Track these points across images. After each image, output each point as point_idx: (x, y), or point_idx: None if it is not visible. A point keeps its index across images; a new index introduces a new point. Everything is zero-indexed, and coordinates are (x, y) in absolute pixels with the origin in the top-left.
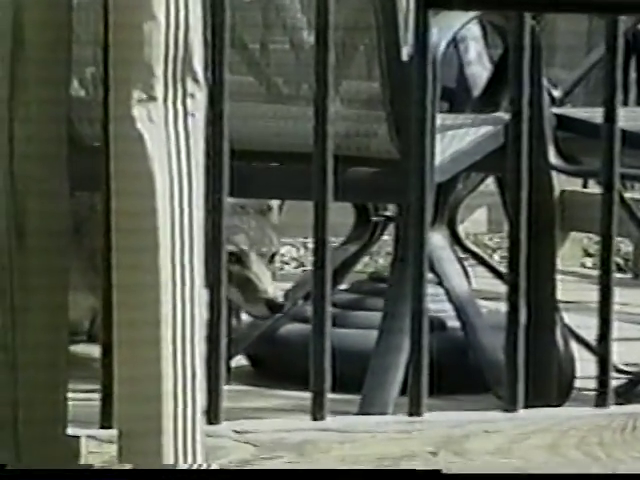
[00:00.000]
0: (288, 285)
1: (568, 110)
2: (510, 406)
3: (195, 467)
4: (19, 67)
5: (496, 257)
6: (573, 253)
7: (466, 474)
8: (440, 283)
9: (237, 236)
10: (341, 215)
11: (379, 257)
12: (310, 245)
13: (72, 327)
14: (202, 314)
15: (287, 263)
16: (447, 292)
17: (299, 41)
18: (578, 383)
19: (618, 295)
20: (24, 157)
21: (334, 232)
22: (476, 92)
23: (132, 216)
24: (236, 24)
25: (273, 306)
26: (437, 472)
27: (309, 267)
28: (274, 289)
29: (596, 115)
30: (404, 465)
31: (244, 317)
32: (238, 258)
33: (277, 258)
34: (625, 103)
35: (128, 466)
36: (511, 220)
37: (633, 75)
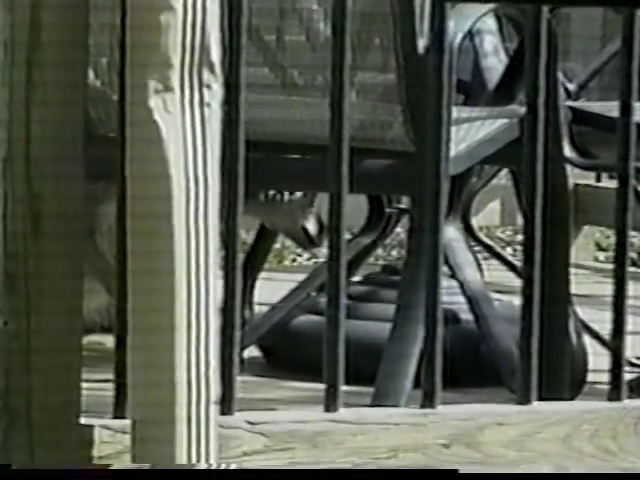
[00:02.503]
0: (301, 277)
1: (583, 103)
2: (523, 399)
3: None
4: (36, 50)
5: (509, 250)
6: (586, 247)
7: (483, 474)
8: (453, 275)
9: None
10: (355, 207)
11: (393, 249)
12: None
13: (87, 318)
14: (217, 302)
15: (300, 255)
16: (460, 285)
17: (315, 32)
18: (591, 377)
19: (632, 289)
20: (40, 141)
21: (348, 224)
22: (491, 85)
23: (147, 201)
24: (252, 15)
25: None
26: (454, 472)
27: (322, 259)
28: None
29: (611, 109)
30: (417, 457)
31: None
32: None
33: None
34: None
35: (136, 465)
36: (525, 213)
37: None
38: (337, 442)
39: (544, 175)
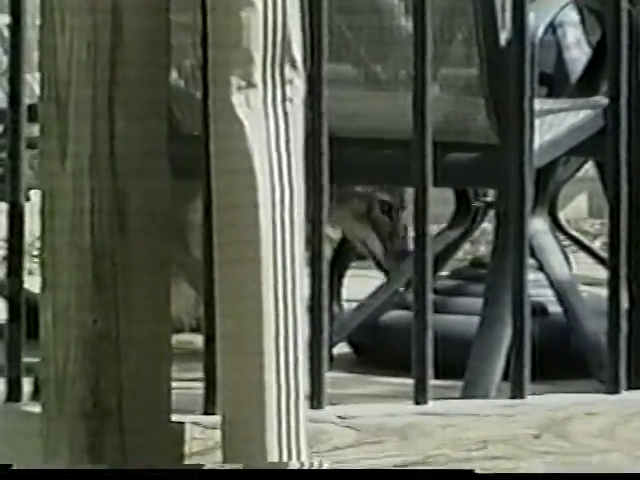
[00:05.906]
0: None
1: None
2: (612, 388)
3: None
4: (118, 51)
5: (597, 243)
6: None
7: (499, 474)
8: (541, 268)
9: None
10: (441, 202)
11: (480, 245)
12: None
13: (175, 318)
14: (304, 300)
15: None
16: (548, 277)
17: (396, 27)
18: None
19: None
20: (124, 138)
21: (435, 219)
22: (574, 77)
23: (233, 209)
24: (333, 11)
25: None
26: (469, 472)
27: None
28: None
29: None
30: (506, 449)
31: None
32: (389, 208)
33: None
34: None
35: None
36: (611, 204)
37: None
38: (427, 434)
39: (628, 165)
